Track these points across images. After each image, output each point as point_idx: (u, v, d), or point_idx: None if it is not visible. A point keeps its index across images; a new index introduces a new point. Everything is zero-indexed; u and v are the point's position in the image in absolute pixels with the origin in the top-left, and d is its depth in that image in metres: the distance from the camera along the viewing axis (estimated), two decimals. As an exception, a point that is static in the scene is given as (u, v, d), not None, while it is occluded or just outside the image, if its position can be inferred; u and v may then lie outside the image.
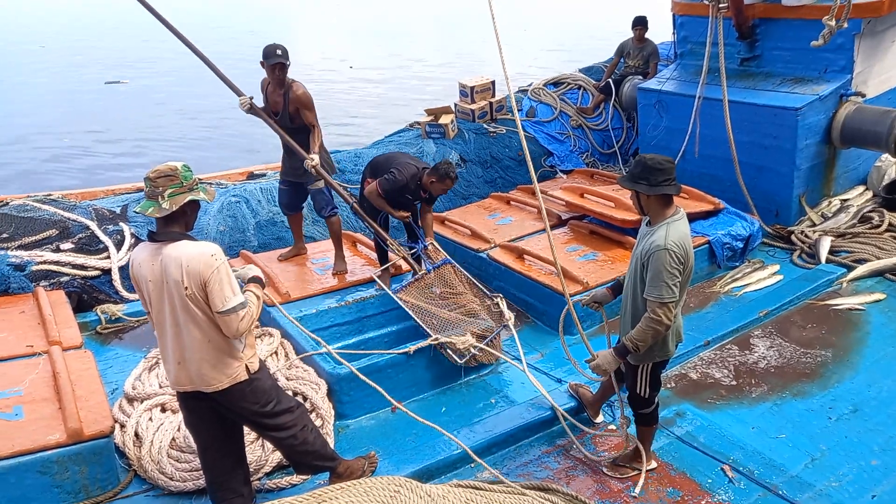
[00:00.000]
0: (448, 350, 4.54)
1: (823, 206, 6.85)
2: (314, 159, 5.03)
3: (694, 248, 5.77)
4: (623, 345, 3.46)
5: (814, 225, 6.61)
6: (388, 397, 4.01)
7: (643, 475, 3.74)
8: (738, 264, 6.21)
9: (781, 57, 6.90)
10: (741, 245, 6.19)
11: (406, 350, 4.45)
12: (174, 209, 2.98)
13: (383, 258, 5.35)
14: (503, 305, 4.97)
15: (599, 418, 4.27)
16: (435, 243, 5.23)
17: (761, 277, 5.94)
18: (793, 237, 6.47)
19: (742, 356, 4.91)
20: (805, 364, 4.78)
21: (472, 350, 4.54)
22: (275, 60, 5.01)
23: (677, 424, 4.20)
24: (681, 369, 4.78)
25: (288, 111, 5.15)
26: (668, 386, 4.60)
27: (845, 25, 5.64)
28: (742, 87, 6.92)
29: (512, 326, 4.84)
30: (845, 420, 4.17)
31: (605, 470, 3.87)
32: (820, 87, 6.56)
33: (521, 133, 3.71)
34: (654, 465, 3.86)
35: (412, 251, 5.21)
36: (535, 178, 3.72)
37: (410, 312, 4.75)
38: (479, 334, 4.68)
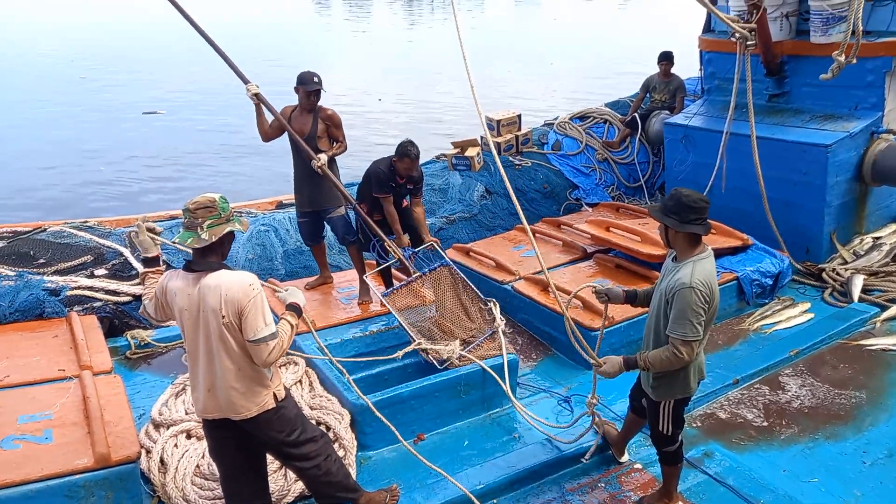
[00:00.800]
0: (430, 356, 4.58)
1: (855, 243, 6.74)
2: (321, 159, 5.06)
3: (722, 284, 5.86)
4: (635, 359, 3.48)
5: (845, 262, 6.50)
6: (398, 434, 4.02)
7: None
8: (767, 301, 6.12)
9: (810, 93, 6.88)
10: (770, 282, 6.10)
11: (395, 356, 4.51)
12: (213, 240, 3.05)
13: (386, 274, 5.53)
14: (496, 311, 4.96)
15: (625, 458, 4.20)
16: (435, 243, 5.38)
17: (792, 315, 5.84)
18: (824, 275, 6.36)
19: (772, 396, 4.81)
20: (838, 405, 4.66)
21: (455, 359, 4.57)
22: (313, 87, 5.15)
23: (705, 465, 4.12)
24: (709, 408, 4.69)
25: (315, 133, 5.24)
26: (696, 425, 4.52)
27: (854, 62, 5.64)
28: (770, 123, 6.90)
29: (501, 332, 4.83)
30: (880, 465, 4.05)
31: None
32: (850, 125, 6.51)
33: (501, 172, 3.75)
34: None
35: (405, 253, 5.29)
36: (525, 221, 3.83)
37: (397, 315, 4.80)
38: (466, 340, 4.68)
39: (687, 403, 3.69)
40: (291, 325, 3.23)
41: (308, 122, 5.26)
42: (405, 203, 5.59)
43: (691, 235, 3.37)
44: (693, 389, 3.55)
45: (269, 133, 5.32)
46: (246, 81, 4.95)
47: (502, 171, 3.86)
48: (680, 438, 3.67)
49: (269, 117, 5.24)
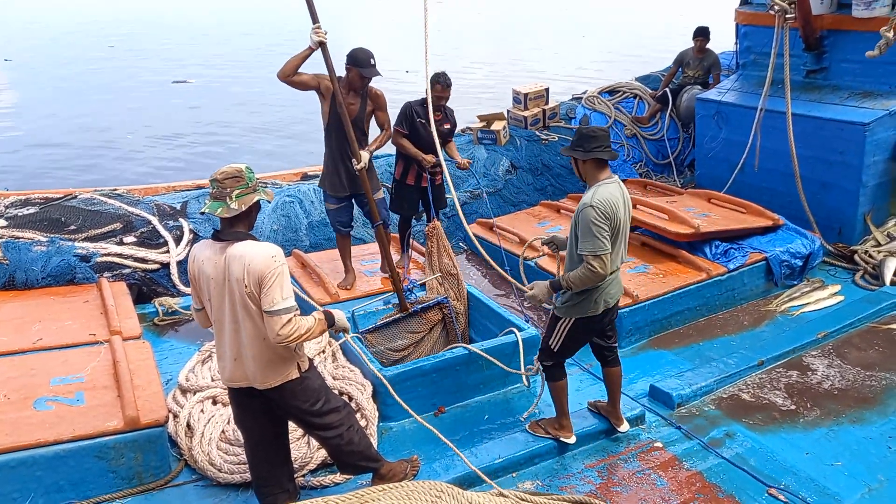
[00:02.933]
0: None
1: (890, 225, 6.56)
2: (363, 160, 4.72)
3: (750, 264, 5.77)
4: (558, 281, 3.74)
5: (879, 245, 6.34)
6: (408, 408, 4.00)
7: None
8: (796, 283, 6.02)
9: (850, 70, 6.66)
10: (800, 263, 5.99)
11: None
12: (242, 209, 3.07)
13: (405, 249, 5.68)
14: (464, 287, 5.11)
15: (625, 426, 4.18)
16: (467, 163, 5.67)
17: (821, 297, 5.74)
18: (856, 257, 6.22)
19: (798, 378, 4.75)
20: (865, 389, 4.59)
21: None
22: (370, 73, 4.79)
23: (727, 445, 4.09)
24: (732, 389, 4.65)
25: (363, 116, 4.97)
26: (719, 406, 4.49)
27: None
28: (807, 99, 6.70)
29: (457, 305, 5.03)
30: (907, 451, 3.99)
31: (526, 427, 4.12)
32: (890, 103, 6.30)
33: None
34: (572, 440, 4.00)
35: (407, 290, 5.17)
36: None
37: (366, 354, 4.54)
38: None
39: (588, 328, 3.84)
40: (315, 320, 3.19)
41: (356, 103, 4.93)
42: (438, 179, 5.59)
43: (596, 162, 3.67)
44: (597, 311, 3.75)
45: (296, 78, 4.74)
46: (315, 21, 4.42)
47: None
48: (556, 361, 3.92)
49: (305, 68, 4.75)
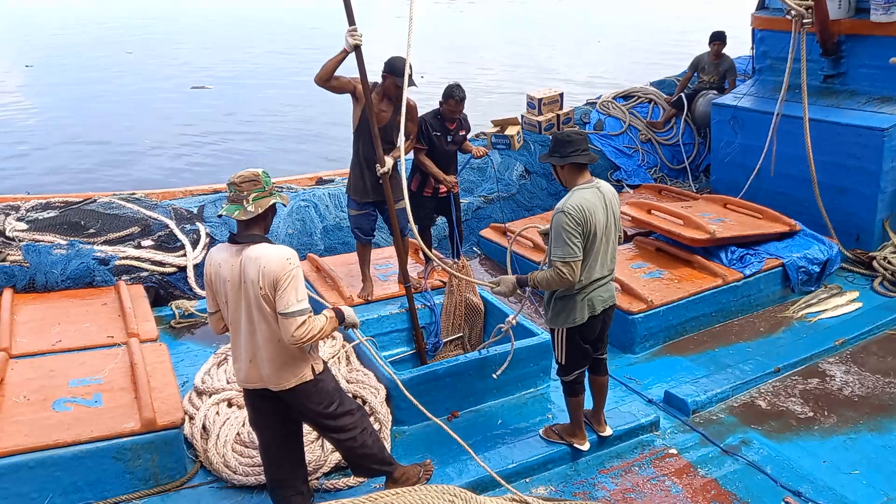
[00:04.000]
0: None
1: (909, 231, 6.49)
2: (388, 164, 4.65)
3: (766, 270, 5.73)
4: (525, 278, 3.74)
5: (898, 251, 6.27)
6: (424, 409, 3.92)
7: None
8: (813, 289, 5.96)
9: (868, 75, 6.60)
10: (818, 269, 5.93)
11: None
12: (259, 212, 3.11)
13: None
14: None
15: (607, 431, 4.12)
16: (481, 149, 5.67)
17: (838, 304, 5.68)
18: (874, 263, 6.16)
19: (815, 386, 4.70)
20: (884, 397, 4.53)
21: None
22: (405, 83, 4.41)
23: (743, 452, 4.06)
24: (748, 396, 4.61)
25: (393, 123, 4.80)
26: (735, 413, 4.46)
27: None
28: (824, 105, 6.65)
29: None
30: (927, 460, 3.93)
31: (540, 433, 4.11)
32: (909, 107, 6.24)
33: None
34: (586, 446, 3.98)
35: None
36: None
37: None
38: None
39: (583, 337, 3.77)
40: (326, 319, 3.22)
41: (388, 111, 4.89)
42: (455, 189, 5.62)
43: (575, 167, 3.63)
44: (583, 320, 3.68)
45: (334, 82, 4.69)
46: (352, 23, 4.29)
47: None
48: (575, 374, 3.84)
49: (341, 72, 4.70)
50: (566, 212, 3.50)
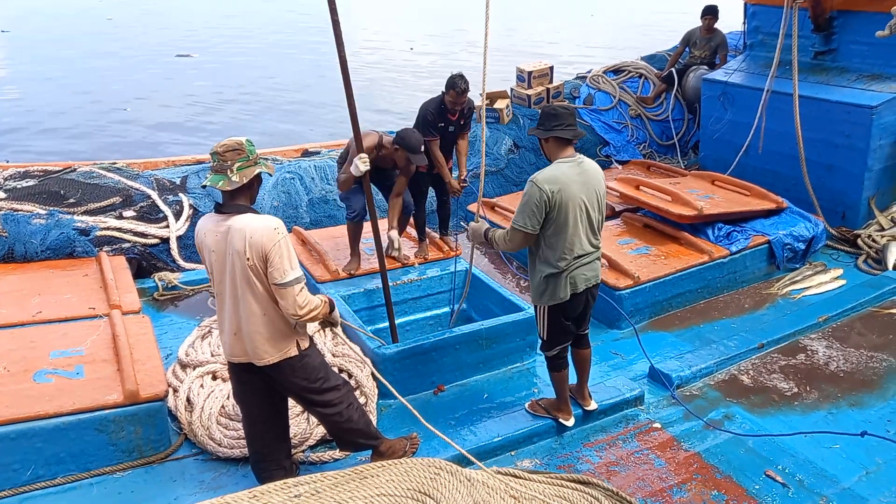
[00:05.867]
0: None
1: (894, 209, 6.53)
2: (394, 239, 5.23)
3: (753, 247, 5.75)
4: (489, 230, 3.87)
5: (882, 229, 6.32)
6: (395, 392, 3.83)
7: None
8: (798, 266, 6.00)
9: (859, 52, 6.58)
10: (803, 247, 5.96)
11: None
12: (244, 182, 3.05)
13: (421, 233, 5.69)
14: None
15: (592, 405, 4.13)
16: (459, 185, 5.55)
17: (822, 281, 5.72)
18: (859, 241, 6.20)
19: (797, 362, 4.75)
20: (864, 373, 4.59)
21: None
22: (417, 161, 4.99)
23: (726, 427, 4.10)
24: (732, 371, 4.65)
25: (394, 171, 5.22)
26: (718, 387, 4.50)
27: None
28: (814, 81, 6.63)
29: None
30: (905, 434, 4.00)
31: (525, 406, 4.12)
32: (899, 85, 6.23)
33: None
34: (571, 422, 4.00)
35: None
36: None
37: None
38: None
39: (565, 314, 3.78)
40: (321, 302, 3.20)
41: (390, 159, 5.09)
42: (450, 163, 5.59)
43: (557, 140, 3.63)
44: (563, 298, 3.68)
45: (348, 187, 5.04)
46: (361, 150, 4.39)
47: None
48: (557, 349, 3.86)
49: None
50: (535, 183, 3.52)
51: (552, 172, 3.55)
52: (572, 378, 4.10)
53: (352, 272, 5.28)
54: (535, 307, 3.85)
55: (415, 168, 5.16)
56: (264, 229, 3.00)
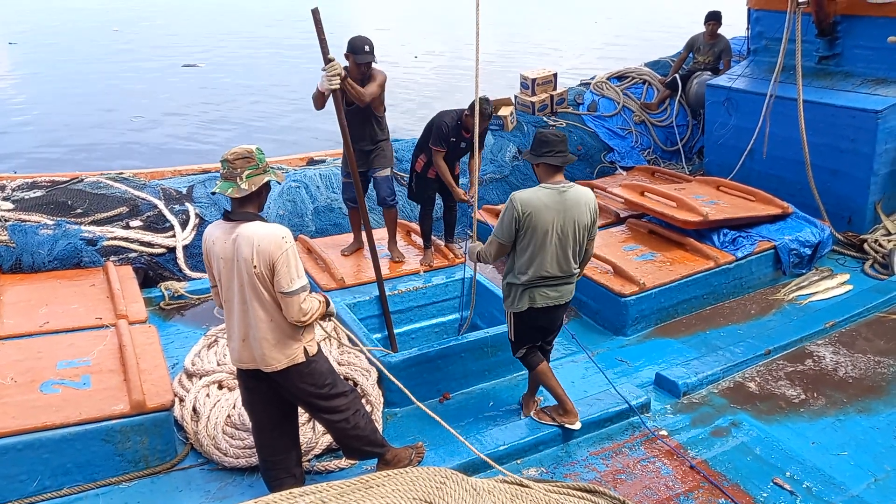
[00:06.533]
0: None
1: (900, 214, 6.51)
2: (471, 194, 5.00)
3: (758, 253, 5.73)
4: (480, 246, 4.03)
5: (889, 234, 6.29)
6: (409, 393, 3.88)
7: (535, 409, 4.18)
8: (804, 272, 5.97)
9: (863, 56, 6.57)
10: (809, 252, 5.94)
11: None
12: (252, 190, 3.07)
13: (427, 240, 5.69)
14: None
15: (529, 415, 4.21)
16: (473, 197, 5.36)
17: (829, 287, 5.70)
18: (865, 246, 6.17)
19: (804, 368, 4.72)
20: (872, 379, 4.56)
21: None
22: (364, 59, 4.91)
23: (732, 434, 4.08)
24: (738, 378, 4.63)
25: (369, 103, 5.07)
26: (724, 394, 4.48)
27: None
28: (819, 86, 6.62)
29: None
30: (914, 441, 3.97)
31: (532, 415, 4.17)
32: (903, 90, 6.22)
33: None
34: (577, 426, 4.05)
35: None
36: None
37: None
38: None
39: (528, 323, 3.91)
40: (318, 302, 3.24)
41: (359, 87, 5.00)
42: (457, 169, 5.57)
43: (547, 166, 3.76)
44: (522, 309, 3.84)
45: (322, 105, 5.01)
46: (327, 58, 4.23)
47: None
48: (523, 350, 4.02)
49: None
50: (513, 199, 3.70)
51: (530, 195, 3.70)
52: (523, 388, 4.29)
53: (347, 254, 5.69)
54: (505, 313, 4.01)
55: (376, 88, 5.03)
56: (272, 237, 3.02)
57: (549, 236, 3.69)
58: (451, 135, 5.25)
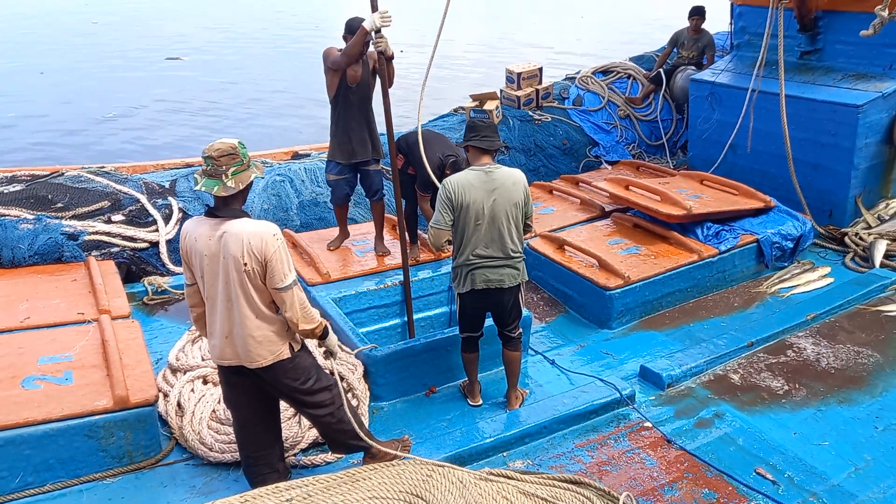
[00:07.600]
0: None
1: (880, 208, 6.59)
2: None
3: (741, 246, 5.79)
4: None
5: (869, 227, 6.37)
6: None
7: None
8: (786, 265, 6.04)
9: (844, 51, 6.64)
10: (791, 245, 6.01)
11: None
12: (240, 188, 3.04)
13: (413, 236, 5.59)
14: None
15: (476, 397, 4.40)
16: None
17: (811, 279, 5.77)
18: (846, 239, 6.25)
19: (786, 359, 4.78)
20: (852, 371, 4.63)
21: None
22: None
23: (716, 425, 4.13)
24: (721, 370, 4.68)
25: (367, 79, 5.07)
26: (708, 386, 4.52)
27: None
28: (800, 81, 6.68)
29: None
30: (893, 430, 4.03)
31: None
32: (884, 85, 6.29)
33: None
34: (477, 402, 4.33)
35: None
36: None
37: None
38: None
39: (471, 304, 4.10)
40: (319, 323, 3.29)
41: (358, 69, 5.02)
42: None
43: (475, 149, 3.99)
44: (463, 290, 4.04)
45: (356, 54, 4.87)
46: (375, 8, 4.40)
47: None
48: (465, 335, 4.23)
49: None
50: (444, 184, 3.93)
51: (460, 177, 3.92)
52: (504, 383, 4.39)
53: (332, 248, 5.66)
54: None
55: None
56: (264, 235, 3.01)
57: (481, 215, 3.87)
58: (438, 178, 5.07)
